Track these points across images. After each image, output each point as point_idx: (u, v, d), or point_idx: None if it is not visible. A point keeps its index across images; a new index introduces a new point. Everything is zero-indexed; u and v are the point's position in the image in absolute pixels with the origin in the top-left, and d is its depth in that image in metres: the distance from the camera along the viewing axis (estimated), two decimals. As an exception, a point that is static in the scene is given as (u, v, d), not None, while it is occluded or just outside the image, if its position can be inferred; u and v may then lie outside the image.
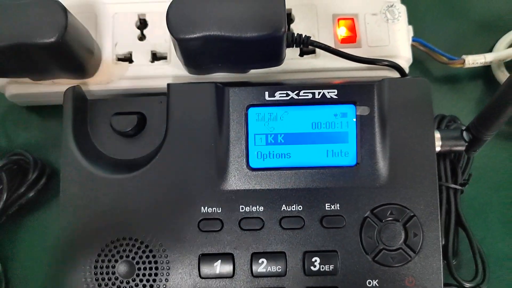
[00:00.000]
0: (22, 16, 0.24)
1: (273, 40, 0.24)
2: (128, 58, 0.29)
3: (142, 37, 0.30)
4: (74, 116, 0.26)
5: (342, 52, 0.27)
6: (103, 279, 0.25)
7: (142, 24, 0.30)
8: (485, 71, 0.33)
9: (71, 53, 0.25)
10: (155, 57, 0.29)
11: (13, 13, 0.24)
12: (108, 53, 0.29)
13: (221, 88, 0.26)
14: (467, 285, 0.27)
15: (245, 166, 0.26)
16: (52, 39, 0.23)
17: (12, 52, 0.24)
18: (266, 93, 0.26)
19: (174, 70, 0.29)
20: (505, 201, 0.31)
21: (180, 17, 0.24)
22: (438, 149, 0.27)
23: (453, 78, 0.33)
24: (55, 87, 0.29)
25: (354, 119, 0.26)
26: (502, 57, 0.31)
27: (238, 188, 0.26)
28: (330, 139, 0.26)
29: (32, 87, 0.29)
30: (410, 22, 0.31)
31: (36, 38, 0.23)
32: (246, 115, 0.26)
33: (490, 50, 0.33)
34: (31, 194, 0.29)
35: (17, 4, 0.24)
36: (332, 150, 0.26)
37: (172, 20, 0.24)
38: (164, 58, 0.29)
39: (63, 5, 0.24)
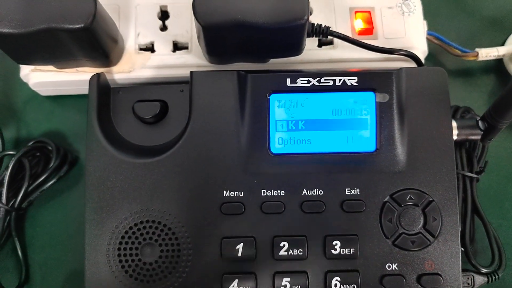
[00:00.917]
0: (53, 3, 0.24)
1: (295, 28, 0.25)
2: (150, 48, 0.30)
3: (163, 28, 0.30)
4: (99, 102, 0.27)
5: (361, 42, 0.28)
6: (126, 261, 0.25)
7: (164, 15, 0.31)
8: (498, 64, 0.34)
9: (97, 40, 0.26)
10: (177, 47, 0.30)
11: (46, 1, 0.24)
12: (131, 42, 0.30)
13: (243, 75, 0.27)
14: (484, 270, 0.27)
15: (267, 151, 0.26)
16: (81, 25, 0.24)
17: (42, 37, 0.25)
18: (288, 79, 0.26)
19: (195, 59, 0.30)
20: (521, 190, 0.31)
21: (206, 4, 0.24)
22: (454, 138, 0.28)
23: (467, 70, 0.34)
24: (79, 76, 0.29)
25: (374, 107, 0.26)
26: (513, 49, 0.32)
27: (259, 172, 0.26)
28: (350, 126, 0.26)
29: (56, 75, 0.30)
30: (424, 16, 0.32)
31: (66, 23, 0.24)
32: (268, 101, 0.26)
33: (503, 44, 0.34)
34: (53, 181, 0.30)
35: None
36: (352, 136, 0.26)
37: (198, 7, 0.24)
38: (186, 48, 0.30)
39: (94, -4, 0.25)
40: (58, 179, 0.30)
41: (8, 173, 0.28)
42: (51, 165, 0.30)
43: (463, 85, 0.33)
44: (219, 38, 0.26)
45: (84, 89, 0.30)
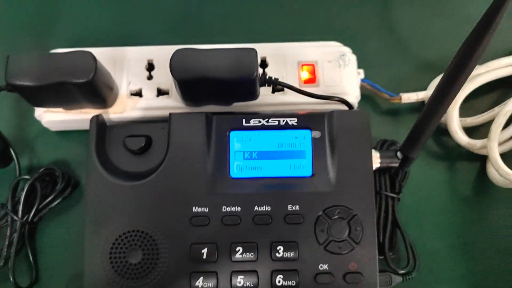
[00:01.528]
0: (63, 62, 0.32)
1: (248, 82, 0.33)
2: (139, 93, 0.38)
3: (150, 77, 0.38)
4: (97, 137, 0.34)
5: (302, 90, 0.36)
6: (116, 262, 0.32)
7: (150, 66, 0.38)
8: (421, 105, 0.41)
9: (97, 90, 0.33)
10: (160, 92, 0.38)
11: (56, 60, 0.32)
12: (123, 89, 0.37)
13: (209, 117, 0.34)
14: (401, 272, 0.34)
15: (227, 176, 0.34)
16: (85, 79, 0.32)
17: (53, 89, 0.32)
18: (244, 120, 0.34)
19: (174, 103, 0.37)
20: (436, 208, 0.38)
21: (180, 64, 0.32)
22: (378, 165, 0.35)
23: (395, 111, 0.41)
24: (82, 115, 0.37)
25: (310, 141, 0.34)
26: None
27: (221, 192, 0.33)
28: (292, 156, 0.34)
29: (63, 115, 0.37)
30: (363, 66, 0.40)
31: (73, 78, 0.32)
32: (229, 136, 0.34)
33: (426, 89, 0.41)
34: (58, 201, 0.37)
35: (59, 53, 0.33)
36: (293, 164, 0.34)
37: (174, 66, 0.32)
38: (167, 93, 0.38)
39: (93, 55, 0.32)
40: (63, 199, 0.37)
41: (23, 194, 0.35)
42: (58, 187, 0.37)
43: (392, 121, 0.41)
44: (191, 88, 0.34)
45: (86, 126, 0.37)
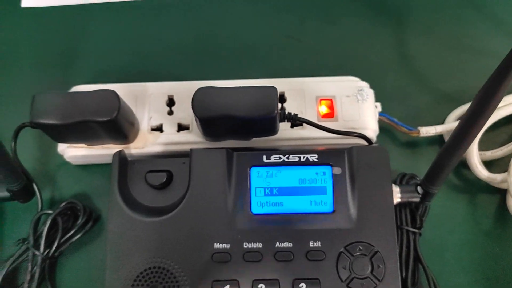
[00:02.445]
0: (87, 101, 0.33)
1: (269, 119, 0.33)
2: (159, 128, 0.38)
3: (170, 112, 0.39)
4: (119, 173, 0.35)
5: (322, 126, 0.36)
6: (137, 299, 0.32)
7: (171, 102, 0.39)
8: (439, 139, 0.41)
9: (119, 127, 0.34)
10: (180, 127, 0.38)
11: (81, 99, 0.33)
12: (144, 124, 0.38)
13: (230, 153, 0.35)
14: (424, 308, 0.34)
15: (248, 212, 0.34)
16: (108, 118, 0.32)
17: (77, 127, 0.33)
18: (264, 156, 0.34)
19: (194, 137, 0.38)
20: (458, 242, 0.38)
21: (202, 103, 0.33)
22: (398, 200, 0.35)
23: (413, 144, 0.41)
24: (104, 150, 0.38)
25: (331, 177, 0.34)
26: (450, 128, 0.40)
27: (243, 228, 0.33)
28: (312, 192, 0.34)
29: (86, 150, 0.38)
30: (380, 100, 0.40)
31: (97, 117, 0.32)
32: (249, 173, 0.34)
33: (444, 122, 0.42)
34: (80, 235, 0.37)
35: (83, 92, 0.33)
36: (314, 200, 0.34)
37: (196, 104, 0.33)
38: (187, 128, 0.38)
39: (116, 93, 0.33)
40: (84, 233, 0.37)
41: (46, 228, 0.36)
42: (79, 222, 0.37)
43: (411, 155, 0.41)
44: (212, 125, 0.34)
45: (107, 160, 0.38)
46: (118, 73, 0.43)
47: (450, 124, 0.40)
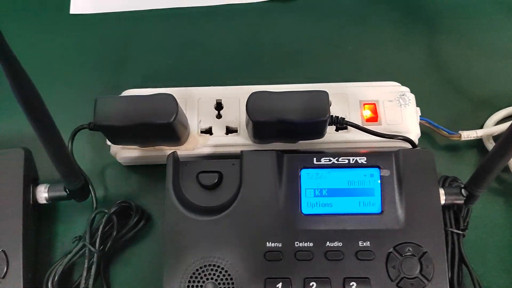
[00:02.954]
0: (147, 105, 0.34)
1: (320, 123, 0.34)
2: (209, 131, 0.40)
3: (219, 116, 0.40)
4: (173, 173, 0.36)
5: (368, 129, 0.37)
6: (193, 294, 0.34)
7: (219, 106, 0.40)
8: (478, 142, 0.42)
9: (175, 130, 0.35)
10: (229, 130, 0.40)
11: (141, 102, 0.34)
12: (194, 127, 0.39)
13: (280, 155, 0.36)
14: (470, 309, 0.35)
15: (299, 212, 0.35)
16: (168, 121, 0.34)
17: (135, 129, 0.35)
18: (314, 159, 0.35)
19: (242, 140, 0.39)
20: (499, 244, 0.39)
21: (256, 106, 0.34)
22: (443, 202, 0.36)
23: (454, 147, 0.42)
24: (156, 152, 0.39)
25: (379, 179, 0.35)
26: (490, 132, 0.40)
27: (294, 228, 0.35)
28: (361, 193, 0.35)
29: (138, 152, 0.39)
30: (418, 104, 0.41)
31: (156, 120, 0.34)
32: (299, 174, 0.35)
33: (482, 126, 0.42)
34: (132, 233, 0.39)
35: (144, 96, 0.35)
36: (363, 201, 0.35)
37: (251, 108, 0.34)
38: (235, 131, 0.39)
39: (174, 97, 0.35)
40: (137, 232, 0.39)
41: (101, 226, 0.37)
42: (132, 220, 0.39)
43: (451, 158, 0.42)
44: (264, 129, 0.35)
45: (157, 161, 0.40)
46: (166, 78, 0.45)
47: (490, 128, 0.41)
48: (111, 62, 0.46)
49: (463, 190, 0.36)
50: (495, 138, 0.41)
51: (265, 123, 0.34)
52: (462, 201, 0.36)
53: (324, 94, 0.34)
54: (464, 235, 0.37)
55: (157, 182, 0.41)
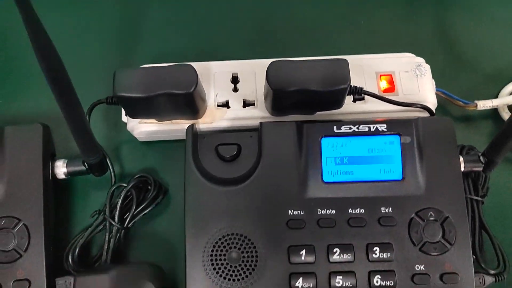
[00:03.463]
0: (168, 75, 0.34)
1: (340, 91, 0.34)
2: (226, 105, 0.39)
3: (235, 89, 0.40)
4: (193, 145, 0.36)
5: (387, 98, 0.37)
6: (217, 264, 0.33)
7: (235, 80, 0.40)
8: (493, 112, 0.42)
9: (195, 101, 0.35)
10: (246, 103, 0.40)
11: (161, 73, 0.34)
12: (211, 101, 0.39)
13: (300, 125, 0.36)
14: (492, 272, 0.35)
15: (320, 180, 0.35)
16: (190, 90, 0.34)
17: (155, 100, 0.34)
18: (335, 127, 0.35)
19: (260, 113, 0.39)
20: (518, 210, 0.39)
21: (277, 75, 0.34)
22: (462, 169, 0.36)
23: (469, 117, 0.42)
24: (173, 126, 0.39)
25: (399, 146, 0.35)
26: (506, 102, 0.41)
27: (315, 196, 0.35)
28: (382, 160, 0.35)
29: (156, 126, 0.39)
30: (433, 75, 0.41)
31: (177, 89, 0.34)
32: (320, 143, 0.35)
33: (496, 96, 0.43)
34: (151, 207, 0.39)
35: (163, 66, 0.35)
36: (384, 168, 0.35)
37: (270, 76, 0.34)
38: (252, 104, 0.39)
39: (194, 68, 0.35)
40: (155, 206, 0.39)
41: (120, 200, 0.37)
42: (150, 194, 0.39)
43: (467, 128, 0.42)
44: (284, 98, 0.35)
45: (173, 136, 0.40)
46: (180, 54, 0.45)
47: (506, 98, 0.41)
48: (125, 39, 0.46)
49: (481, 157, 0.36)
50: (510, 107, 0.42)
51: (285, 92, 0.34)
52: (480, 168, 0.36)
53: (344, 61, 0.34)
54: (483, 202, 0.38)
55: (173, 158, 0.41)
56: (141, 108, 0.36)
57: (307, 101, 0.36)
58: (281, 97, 0.35)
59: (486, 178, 0.38)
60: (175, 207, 0.40)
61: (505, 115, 0.41)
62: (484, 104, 0.41)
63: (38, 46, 0.26)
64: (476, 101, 0.41)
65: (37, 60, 0.27)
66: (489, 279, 0.35)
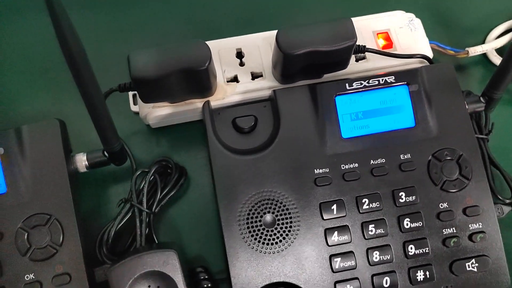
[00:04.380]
0: (181, 52, 0.34)
1: (348, 48, 0.36)
2: (235, 79, 0.40)
3: (241, 63, 0.41)
4: (211, 120, 0.37)
5: (389, 52, 0.39)
6: (253, 230, 0.34)
7: (239, 55, 0.41)
8: (482, 58, 0.45)
9: (208, 77, 0.36)
10: (254, 76, 0.40)
11: (175, 51, 0.34)
12: (220, 77, 0.40)
13: (313, 87, 0.37)
14: (508, 201, 0.37)
15: (339, 137, 0.36)
16: (204, 67, 0.34)
17: (171, 79, 0.35)
18: (347, 84, 0.37)
19: (268, 83, 0.40)
20: (519, 145, 0.42)
21: (286, 40, 0.35)
22: (466, 111, 0.39)
23: (460, 65, 0.45)
24: (186, 107, 0.39)
25: (409, 95, 0.37)
26: (494, 45, 0.43)
27: (337, 153, 0.36)
28: (394, 111, 0.37)
29: (169, 109, 0.39)
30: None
31: (192, 65, 0.34)
32: (334, 101, 0.37)
33: (483, 42, 0.45)
34: (175, 190, 0.39)
35: (176, 44, 0.35)
36: (397, 118, 0.37)
37: (281, 41, 0.35)
38: (261, 76, 0.40)
39: (206, 44, 0.35)
40: (179, 188, 0.39)
41: (146, 186, 0.37)
42: (172, 177, 0.39)
43: (460, 76, 0.44)
44: (294, 63, 0.36)
45: (185, 119, 0.41)
46: (177, 38, 0.45)
47: (494, 41, 0.44)
48: (122, 27, 0.46)
49: (481, 98, 0.39)
50: (498, 51, 0.44)
51: (296, 55, 0.35)
52: (482, 108, 0.39)
53: (349, 20, 0.36)
54: (488, 140, 0.40)
55: (186, 140, 0.42)
56: (156, 89, 0.36)
57: (315, 64, 0.37)
58: (291, 62, 0.36)
59: (487, 117, 0.41)
60: (195, 187, 0.41)
61: (495, 58, 0.44)
62: (474, 50, 0.43)
63: (60, 33, 0.26)
64: (467, 48, 0.43)
65: (60, 48, 0.27)
66: (507, 209, 0.37)
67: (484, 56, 0.45)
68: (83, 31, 0.46)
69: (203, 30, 0.46)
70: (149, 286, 0.32)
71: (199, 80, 0.36)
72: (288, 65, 0.37)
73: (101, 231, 0.37)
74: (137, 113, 0.42)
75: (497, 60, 0.44)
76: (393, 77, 0.37)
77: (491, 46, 0.43)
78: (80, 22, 0.45)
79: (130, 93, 0.43)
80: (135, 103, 0.42)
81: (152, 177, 0.38)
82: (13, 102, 0.44)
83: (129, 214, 0.37)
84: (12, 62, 0.45)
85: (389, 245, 0.35)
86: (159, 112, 0.39)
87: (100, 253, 0.36)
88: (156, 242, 0.38)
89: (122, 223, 0.37)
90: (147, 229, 0.37)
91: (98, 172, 0.40)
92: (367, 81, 0.37)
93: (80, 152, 0.37)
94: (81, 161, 0.37)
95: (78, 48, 0.28)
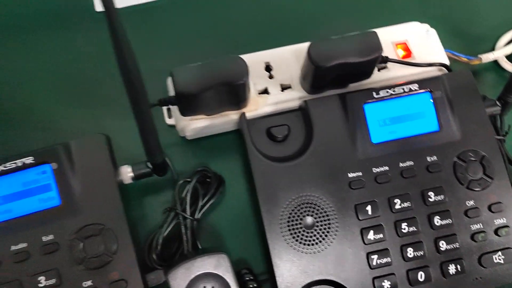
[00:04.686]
0: (220, 67, 0.37)
1: (375, 59, 0.38)
2: (265, 91, 0.43)
3: (271, 76, 0.43)
4: (249, 130, 0.39)
5: (410, 62, 0.42)
6: (295, 232, 0.37)
7: (268, 68, 0.44)
8: (493, 65, 0.48)
9: (245, 90, 0.38)
10: (283, 87, 0.43)
11: (215, 66, 0.37)
12: (252, 90, 0.42)
13: (342, 96, 0.40)
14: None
15: (369, 142, 0.39)
16: (243, 81, 0.37)
17: (212, 93, 0.37)
18: (374, 92, 0.40)
19: (297, 94, 0.42)
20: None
21: (318, 53, 0.38)
22: (484, 114, 0.41)
23: (474, 72, 0.47)
24: (222, 119, 0.42)
25: (431, 100, 0.40)
26: (504, 52, 0.46)
27: (368, 157, 0.38)
28: (419, 116, 0.39)
29: (206, 121, 0.42)
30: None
31: (233, 79, 0.36)
32: (363, 109, 0.39)
33: (493, 49, 0.48)
34: (216, 197, 0.41)
35: (215, 60, 0.37)
36: (422, 122, 0.39)
37: (313, 54, 0.38)
38: (289, 87, 0.43)
39: (243, 59, 0.37)
40: (220, 195, 0.41)
41: (189, 194, 0.39)
42: (212, 186, 0.41)
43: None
44: (325, 74, 0.39)
45: (220, 130, 0.43)
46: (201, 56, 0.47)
47: (504, 49, 0.47)
48: (149, 51, 0.48)
49: (497, 102, 0.41)
50: (508, 57, 0.47)
51: (327, 68, 0.38)
52: (498, 111, 0.41)
53: (374, 33, 0.38)
54: (504, 141, 0.43)
55: (221, 150, 0.44)
56: (197, 103, 0.38)
57: (343, 74, 0.40)
58: (322, 73, 0.39)
59: (502, 120, 0.44)
60: (231, 194, 0.43)
61: (506, 64, 0.47)
62: (487, 57, 0.46)
63: (118, 49, 0.28)
64: (479, 55, 0.46)
65: (118, 63, 0.29)
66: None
67: (495, 62, 0.48)
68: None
69: (229, 45, 0.48)
70: (204, 287, 0.34)
71: (236, 93, 0.38)
72: (319, 77, 0.39)
73: (148, 238, 0.39)
74: (171, 126, 0.44)
75: (507, 65, 0.47)
76: (416, 85, 0.40)
77: (502, 52, 0.46)
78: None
79: (164, 108, 0.45)
80: (169, 116, 0.44)
81: (194, 186, 0.40)
82: (50, 119, 0.46)
83: (174, 222, 0.39)
84: (43, 78, 0.47)
85: (422, 242, 0.37)
86: (196, 124, 0.42)
87: (150, 259, 0.38)
88: (200, 247, 0.40)
89: (168, 230, 0.39)
90: (192, 235, 0.39)
91: (140, 184, 0.42)
92: (393, 89, 0.40)
93: (124, 165, 0.40)
94: (127, 173, 0.39)
95: (133, 63, 0.30)
